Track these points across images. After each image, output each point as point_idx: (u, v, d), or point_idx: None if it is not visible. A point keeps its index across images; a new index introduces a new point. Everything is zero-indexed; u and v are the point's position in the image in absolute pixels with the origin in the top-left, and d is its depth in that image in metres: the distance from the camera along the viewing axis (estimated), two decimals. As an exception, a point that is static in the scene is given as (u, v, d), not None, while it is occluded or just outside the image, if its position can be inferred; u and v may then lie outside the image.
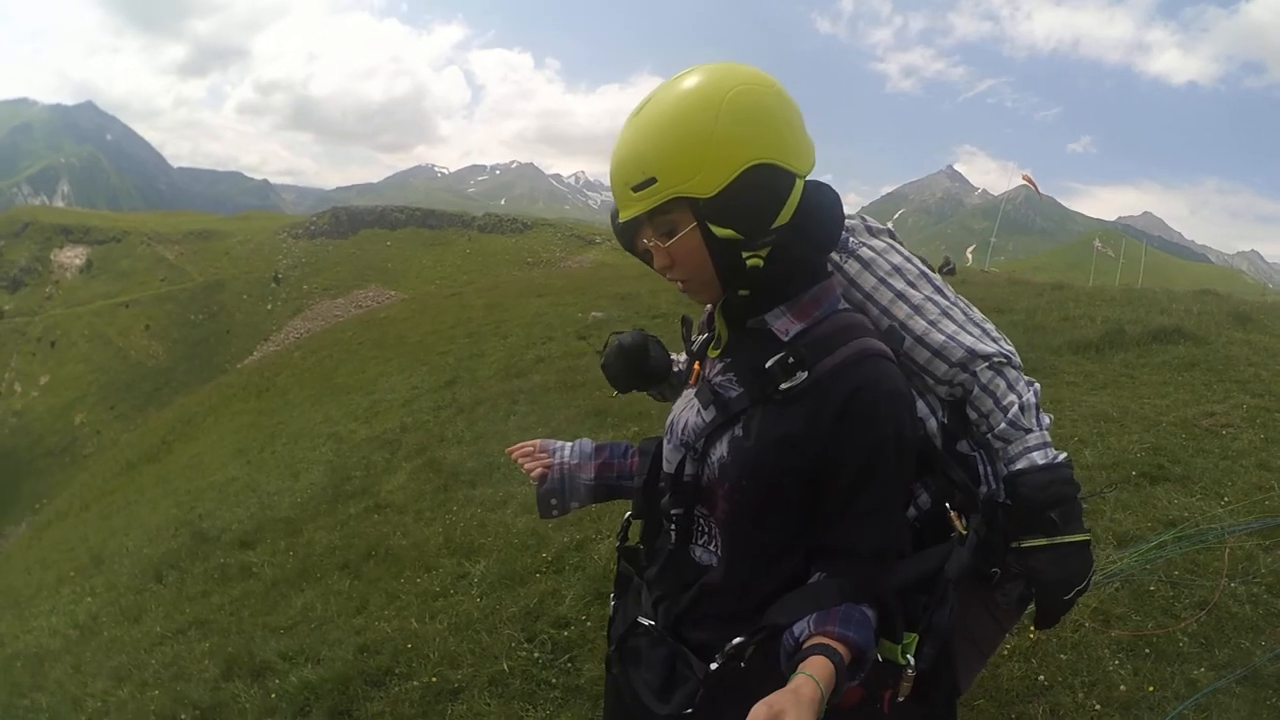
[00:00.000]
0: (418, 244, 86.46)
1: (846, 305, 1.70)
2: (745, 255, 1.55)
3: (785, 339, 1.61)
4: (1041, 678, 3.71)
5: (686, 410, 1.76)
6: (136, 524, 11.61)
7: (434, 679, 4.27)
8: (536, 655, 4.37)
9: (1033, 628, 3.86)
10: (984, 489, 1.87)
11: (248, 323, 78.63)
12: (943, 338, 1.83)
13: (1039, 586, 1.81)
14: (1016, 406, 1.81)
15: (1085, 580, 1.81)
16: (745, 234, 1.52)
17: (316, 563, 6.32)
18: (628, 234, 1.80)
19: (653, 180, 1.50)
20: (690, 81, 1.51)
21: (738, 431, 1.61)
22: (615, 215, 1.85)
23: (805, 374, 1.55)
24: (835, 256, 1.89)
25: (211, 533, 8.00)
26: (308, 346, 29.59)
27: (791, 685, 1.33)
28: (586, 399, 9.65)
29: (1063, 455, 1.83)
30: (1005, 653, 3.87)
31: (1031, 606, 1.89)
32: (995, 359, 1.83)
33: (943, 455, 1.80)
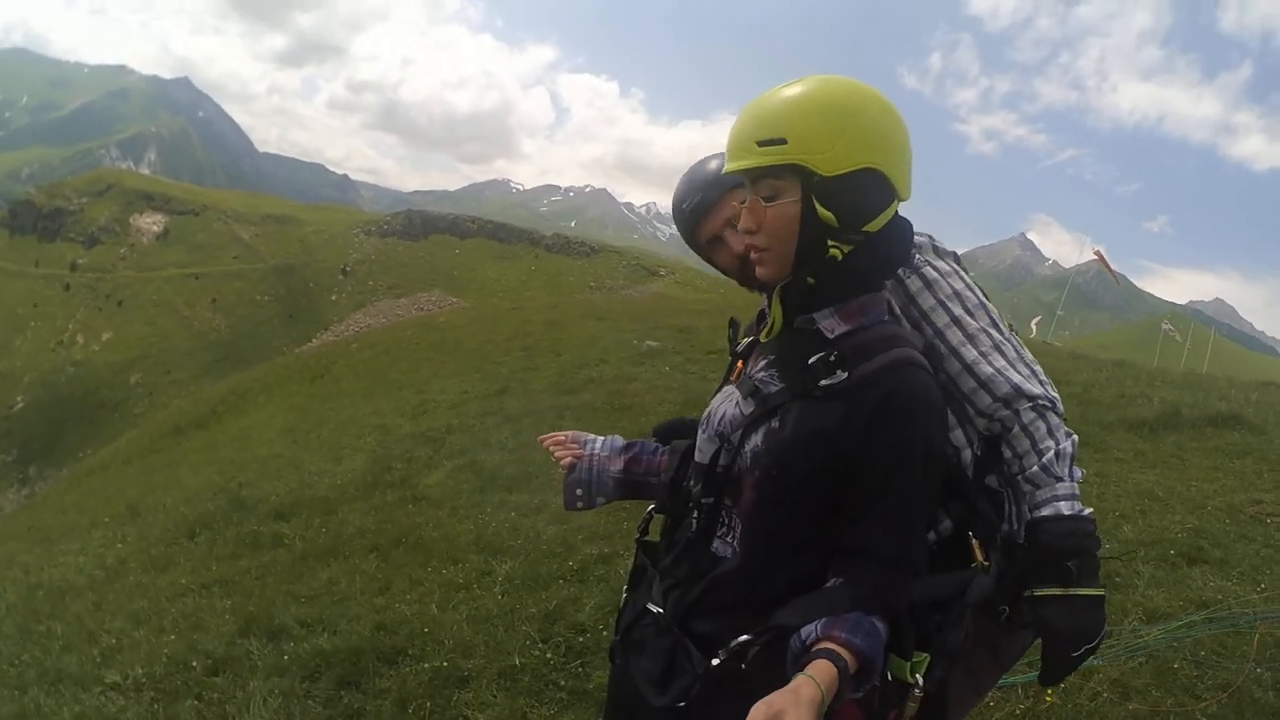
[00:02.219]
0: (486, 255, 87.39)
1: (891, 318, 1.74)
2: (831, 243, 1.62)
3: (830, 337, 1.65)
4: None
5: (725, 403, 1.80)
6: (177, 484, 11.78)
7: (445, 664, 4.29)
8: (549, 656, 4.38)
9: (1049, 692, 3.83)
10: (1005, 527, 1.89)
11: (311, 310, 79.94)
12: (991, 370, 1.85)
13: (1048, 637, 1.78)
14: (1052, 452, 1.81)
15: (1096, 639, 1.77)
16: (840, 223, 1.60)
17: (347, 542, 6.37)
18: (697, 216, 1.99)
19: (783, 140, 1.57)
20: (840, 79, 1.62)
21: (774, 424, 1.65)
22: (683, 202, 2.04)
23: (845, 374, 1.59)
24: (899, 271, 1.92)
25: (249, 501, 8.09)
26: (366, 340, 29.91)
27: (792, 685, 1.34)
28: (633, 422, 9.64)
29: (1088, 510, 1.82)
30: (1019, 713, 3.82)
31: (1036, 656, 1.87)
32: (1040, 401, 1.83)
33: (971, 484, 1.84)
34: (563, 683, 4.14)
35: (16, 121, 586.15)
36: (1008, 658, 2.09)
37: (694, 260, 2.30)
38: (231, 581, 5.87)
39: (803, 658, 1.46)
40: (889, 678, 1.59)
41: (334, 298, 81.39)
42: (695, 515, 1.76)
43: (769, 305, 1.75)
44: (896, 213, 1.66)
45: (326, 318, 76.72)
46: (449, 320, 29.71)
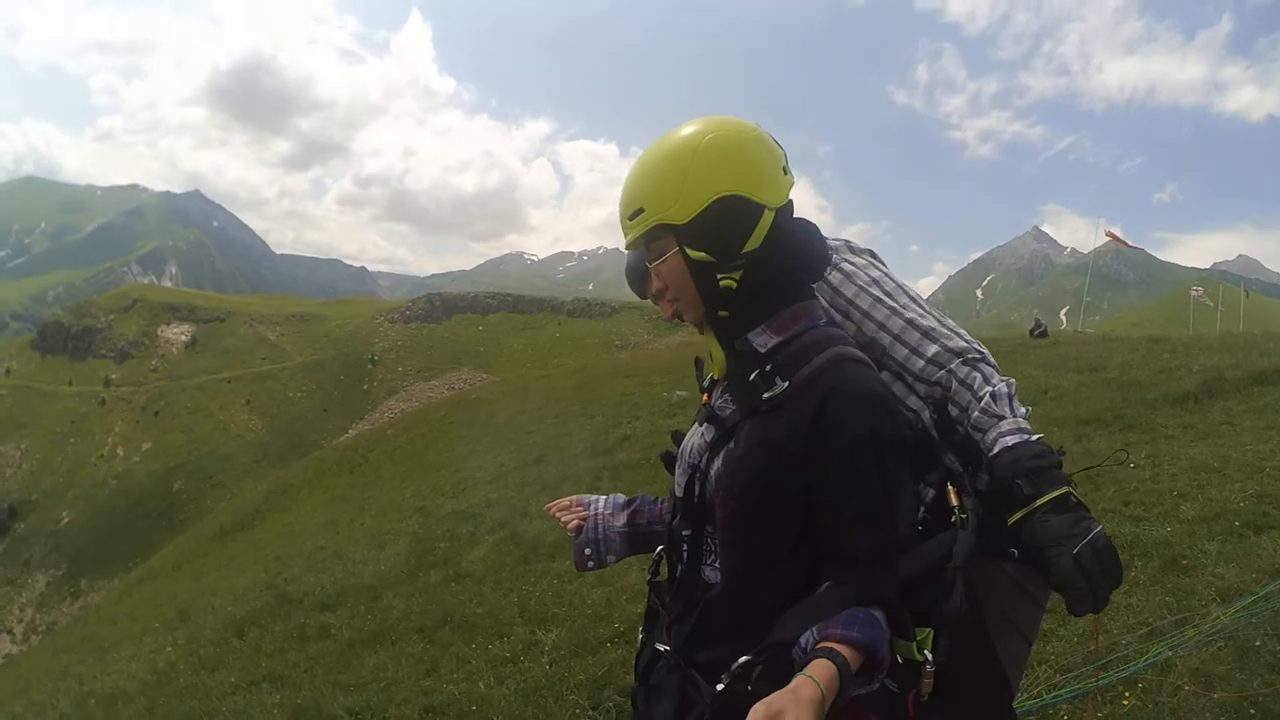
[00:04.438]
0: (509, 328, 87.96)
1: (826, 321, 1.81)
2: (719, 276, 1.71)
3: (763, 352, 1.74)
4: None
5: (693, 436, 1.89)
6: (225, 585, 11.81)
7: (498, 741, 4.24)
8: (600, 722, 4.31)
9: (1125, 695, 3.73)
10: (984, 476, 1.91)
11: (344, 401, 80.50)
12: (918, 334, 2.00)
13: (1037, 557, 1.77)
14: (989, 395, 1.91)
15: (1084, 536, 1.72)
16: (716, 256, 1.70)
17: (392, 626, 6.36)
18: (636, 276, 2.18)
19: (641, 210, 1.74)
20: (682, 130, 1.74)
21: (731, 444, 1.72)
22: (629, 264, 2.22)
23: (786, 383, 1.66)
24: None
25: (295, 595, 8.10)
26: (400, 425, 30.06)
27: (791, 685, 1.34)
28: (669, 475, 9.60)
29: (1036, 436, 1.87)
30: None
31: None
32: (969, 355, 1.97)
33: (939, 443, 1.92)
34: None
35: (37, 247, 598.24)
36: (1042, 595, 2.09)
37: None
38: (280, 676, 5.86)
39: (805, 662, 1.45)
40: (898, 661, 1.59)
41: (365, 387, 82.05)
42: (684, 548, 1.80)
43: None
44: (777, 220, 1.72)
45: (360, 407, 77.34)
46: (480, 395, 29.85)
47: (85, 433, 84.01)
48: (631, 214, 1.75)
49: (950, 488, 1.80)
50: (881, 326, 2.03)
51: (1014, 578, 2.02)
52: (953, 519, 1.74)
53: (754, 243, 1.70)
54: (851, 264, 2.12)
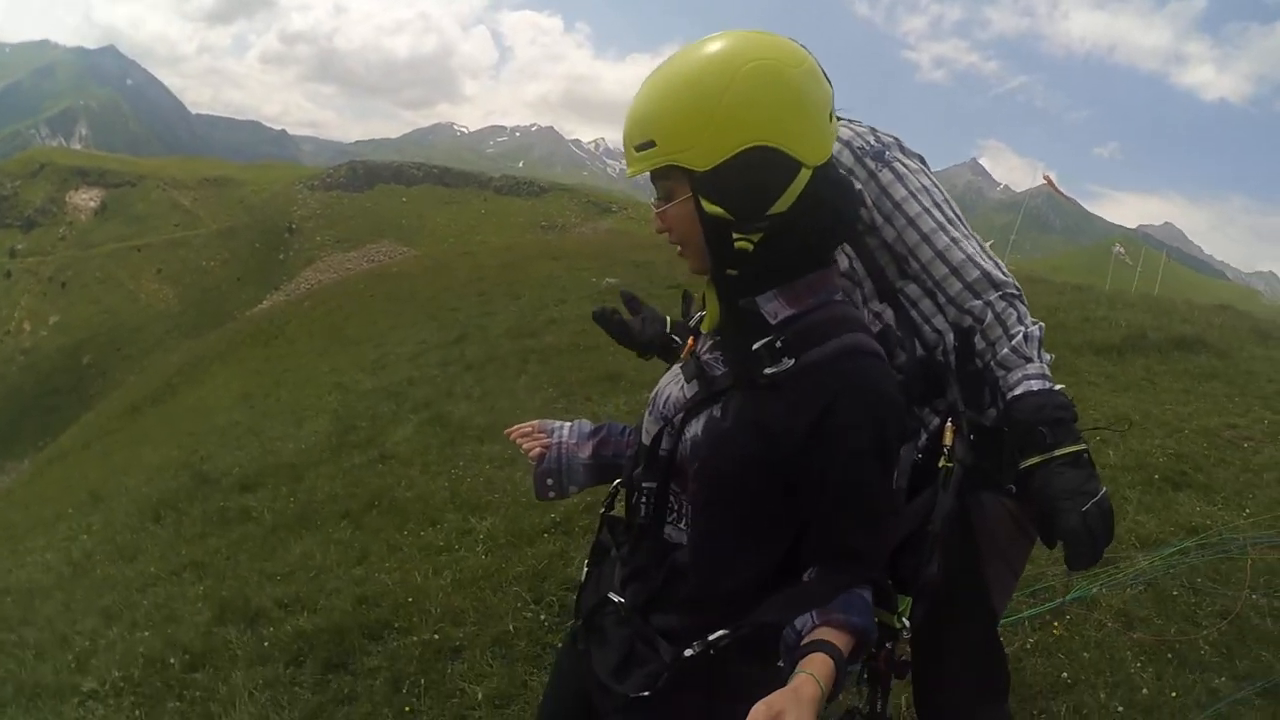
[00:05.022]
0: (433, 201, 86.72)
1: (843, 297, 1.62)
2: (735, 236, 1.50)
3: (773, 322, 1.55)
4: (1065, 675, 3.67)
5: (671, 384, 1.75)
6: (137, 464, 11.54)
7: (435, 635, 4.11)
8: (543, 618, 4.21)
9: (1055, 624, 3.97)
10: (992, 411, 1.98)
11: (260, 271, 79.08)
12: (963, 255, 1.95)
13: (1045, 505, 1.79)
14: (1021, 335, 1.90)
15: (1094, 495, 1.76)
16: (736, 215, 1.47)
17: (317, 510, 6.18)
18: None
19: (652, 144, 1.47)
20: (712, 47, 1.46)
21: (715, 411, 1.57)
22: None
23: (792, 361, 1.49)
24: (870, 164, 1.99)
25: (212, 475, 7.85)
26: (318, 297, 29.58)
27: (792, 684, 1.29)
28: (600, 362, 9.49)
29: (1059, 386, 1.88)
30: (1029, 647, 3.84)
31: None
32: (1008, 290, 1.95)
33: (953, 373, 1.79)
34: (561, 645, 3.98)
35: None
36: (1035, 531, 2.08)
37: (646, 195, 2.18)
38: (202, 564, 5.65)
39: (796, 650, 1.40)
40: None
41: (282, 257, 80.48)
42: (644, 501, 1.68)
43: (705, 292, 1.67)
44: (811, 182, 1.48)
45: (276, 278, 76.01)
46: (401, 270, 29.41)
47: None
48: (639, 145, 1.49)
49: (949, 425, 1.69)
50: (925, 239, 1.95)
51: (1013, 512, 2.02)
52: (941, 461, 1.64)
53: (782, 205, 1.47)
54: (905, 165, 2.00)
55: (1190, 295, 21.51)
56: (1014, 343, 1.88)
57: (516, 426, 2.05)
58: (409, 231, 79.19)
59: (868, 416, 1.46)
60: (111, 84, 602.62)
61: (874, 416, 1.47)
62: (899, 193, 1.97)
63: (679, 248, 1.60)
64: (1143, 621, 4.00)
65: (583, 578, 1.96)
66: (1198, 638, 3.84)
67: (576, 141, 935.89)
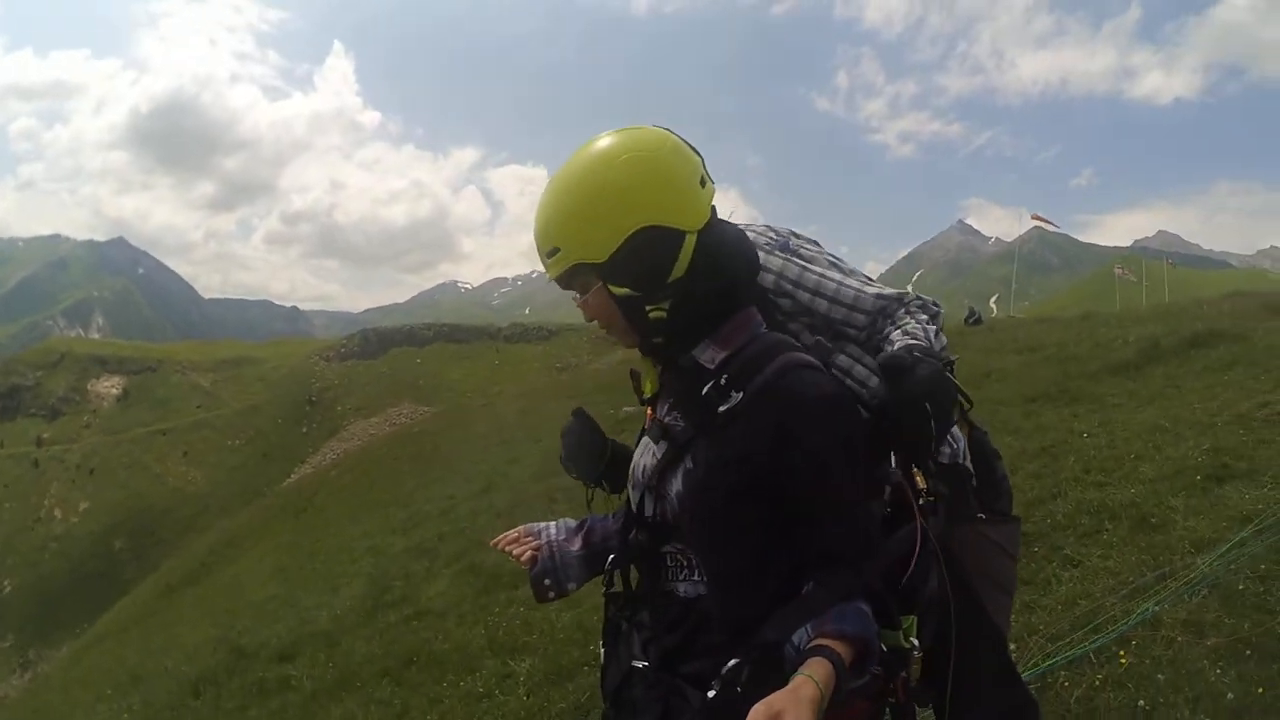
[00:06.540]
0: (447, 358, 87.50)
1: (766, 329, 1.77)
2: (648, 308, 1.69)
3: (712, 367, 1.69)
4: (1142, 703, 3.48)
5: (643, 455, 1.84)
6: (175, 644, 11.49)
7: (481, 782, 4.08)
8: (589, 751, 4.17)
9: (1122, 655, 3.73)
10: (946, 450, 2.04)
11: (285, 446, 79.34)
12: (853, 291, 1.98)
13: (891, 370, 1.79)
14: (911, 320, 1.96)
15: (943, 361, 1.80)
16: (641, 290, 1.66)
17: (356, 672, 6.16)
18: None
19: (557, 249, 1.67)
20: (588, 152, 1.67)
21: (688, 464, 1.69)
22: None
23: (740, 394, 1.62)
24: (780, 255, 2.03)
25: (249, 648, 7.85)
26: (344, 465, 29.73)
27: (791, 685, 1.34)
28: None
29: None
30: (1098, 684, 3.66)
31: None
32: (907, 299, 2.01)
33: (891, 426, 1.78)
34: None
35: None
36: (1013, 547, 2.21)
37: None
38: (244, 735, 5.62)
39: (797, 662, 1.44)
40: (883, 650, 1.58)
41: (305, 430, 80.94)
42: (644, 565, 1.81)
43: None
44: (700, 243, 1.66)
45: (302, 451, 76.21)
46: (423, 429, 29.59)
47: (20, 496, 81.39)
48: (548, 252, 1.68)
49: (915, 470, 1.77)
50: (817, 290, 1.99)
51: (988, 535, 2.10)
52: (921, 500, 1.73)
53: (679, 270, 1.66)
54: (806, 248, 2.09)
55: (1200, 293, 21.31)
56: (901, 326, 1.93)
57: (503, 535, 2.10)
58: (426, 391, 79.75)
59: (820, 418, 1.58)
60: (124, 273, 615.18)
61: (826, 416, 1.58)
62: (774, 263, 2.02)
63: (606, 330, 1.75)
64: (1213, 625, 3.80)
65: (601, 659, 1.97)
66: (1274, 625, 3.64)
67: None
